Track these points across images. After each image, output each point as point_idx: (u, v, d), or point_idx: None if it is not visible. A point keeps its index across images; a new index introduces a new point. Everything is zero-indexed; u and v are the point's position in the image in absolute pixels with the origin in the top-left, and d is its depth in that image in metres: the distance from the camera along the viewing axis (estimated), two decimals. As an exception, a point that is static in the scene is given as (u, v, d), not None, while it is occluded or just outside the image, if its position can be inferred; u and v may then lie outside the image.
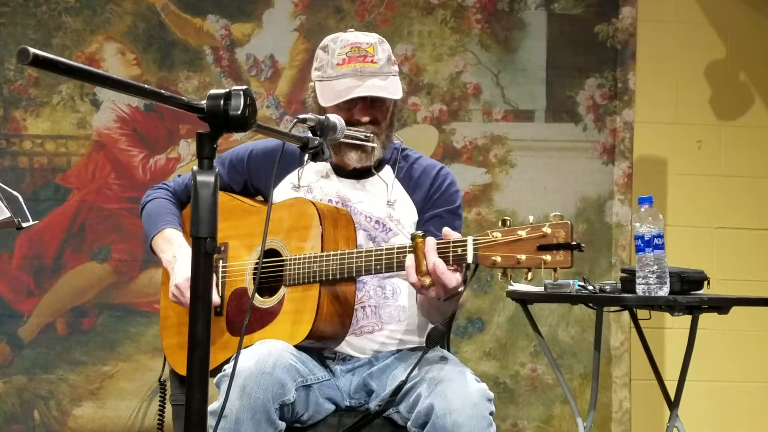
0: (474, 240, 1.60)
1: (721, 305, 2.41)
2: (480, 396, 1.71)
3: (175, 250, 1.90)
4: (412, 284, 1.68)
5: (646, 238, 2.29)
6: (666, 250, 2.34)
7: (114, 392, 3.21)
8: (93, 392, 3.20)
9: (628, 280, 2.39)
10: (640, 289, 2.32)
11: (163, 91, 1.21)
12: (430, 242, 1.64)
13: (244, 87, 1.27)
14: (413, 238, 1.65)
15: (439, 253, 1.63)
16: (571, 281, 2.44)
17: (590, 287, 2.42)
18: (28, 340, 3.20)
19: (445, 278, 1.63)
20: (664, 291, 2.31)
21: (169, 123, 3.28)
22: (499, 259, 1.57)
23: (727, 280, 3.13)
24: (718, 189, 3.46)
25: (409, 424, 1.75)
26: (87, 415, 3.20)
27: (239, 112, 1.25)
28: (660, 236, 2.29)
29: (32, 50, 0.95)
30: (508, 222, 1.59)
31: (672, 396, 2.63)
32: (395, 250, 1.72)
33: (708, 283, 2.44)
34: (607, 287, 2.43)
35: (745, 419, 3.42)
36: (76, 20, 3.27)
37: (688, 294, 2.38)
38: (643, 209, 2.34)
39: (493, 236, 1.58)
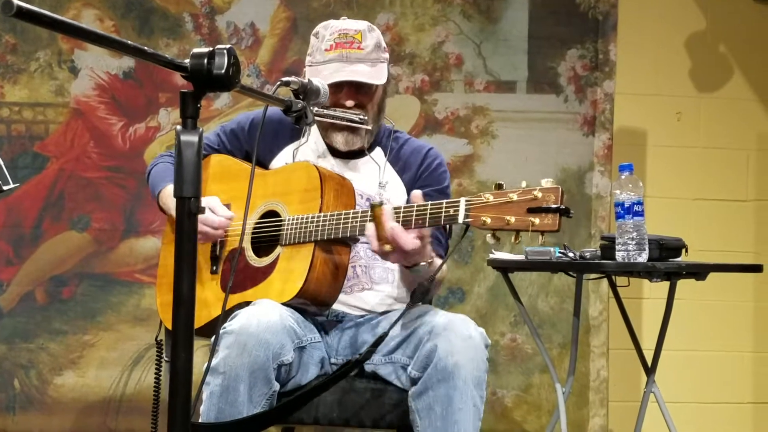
0: (466, 201, 1.64)
1: (699, 271, 2.45)
2: (480, 340, 1.77)
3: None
4: (374, 251, 1.73)
5: (626, 205, 2.31)
6: (645, 220, 2.36)
7: (95, 361, 3.21)
8: (73, 361, 3.20)
9: (608, 247, 2.41)
10: (619, 256, 2.35)
11: (146, 48, 1.20)
12: (388, 209, 1.70)
13: (228, 46, 1.26)
14: (372, 207, 1.71)
15: (431, 213, 1.67)
16: (551, 249, 2.46)
17: (571, 254, 2.44)
18: (7, 309, 3.18)
19: (402, 241, 1.68)
20: (643, 257, 2.33)
21: (148, 91, 3.25)
22: (488, 220, 1.60)
23: (704, 250, 3.17)
24: (697, 161, 3.49)
25: (409, 368, 1.79)
26: (68, 385, 3.19)
27: (223, 71, 1.24)
28: (640, 203, 2.31)
29: (16, 2, 0.93)
30: (503, 186, 1.63)
31: (649, 363, 2.67)
32: (391, 212, 1.74)
33: (686, 251, 2.47)
34: (587, 254, 2.46)
35: (720, 387, 3.48)
36: (53, -14, 3.22)
37: (667, 261, 2.41)
38: (623, 176, 2.36)
39: (485, 198, 1.62)
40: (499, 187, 1.62)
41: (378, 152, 2.04)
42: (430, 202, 1.70)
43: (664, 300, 2.61)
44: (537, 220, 1.56)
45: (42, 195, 3.20)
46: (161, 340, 2.03)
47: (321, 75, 1.91)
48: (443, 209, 1.66)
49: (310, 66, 2.00)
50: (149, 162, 2.18)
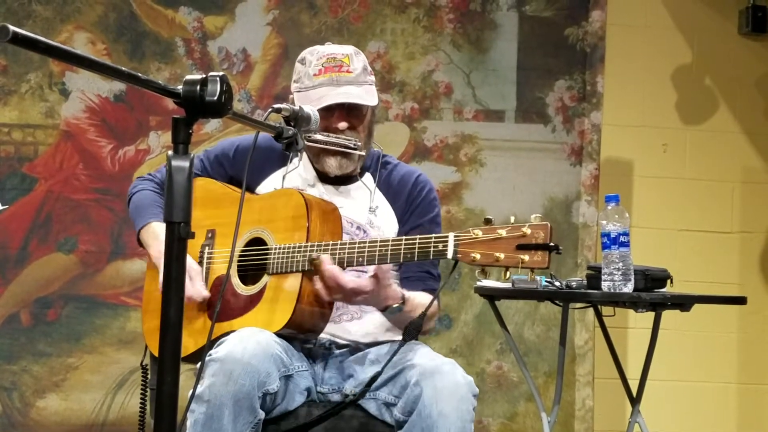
0: (455, 236, 1.63)
1: (684, 302, 2.46)
2: (467, 390, 1.74)
3: (161, 246, 1.91)
4: (328, 300, 1.77)
5: (612, 236, 2.33)
6: (631, 250, 2.38)
7: (78, 384, 3.18)
8: (57, 384, 3.17)
9: (594, 277, 2.43)
10: (605, 286, 2.36)
11: (140, 74, 1.22)
12: (326, 257, 1.74)
13: (221, 73, 1.27)
14: (311, 261, 1.76)
15: (420, 248, 1.68)
16: (538, 277, 2.48)
17: (557, 283, 2.46)
18: (-9, 331, 3.17)
19: (341, 281, 1.72)
20: (629, 288, 2.35)
21: (138, 114, 3.26)
22: (478, 256, 1.60)
23: (689, 281, 3.19)
24: (683, 192, 3.52)
25: (395, 410, 1.77)
26: (51, 407, 3.17)
27: (215, 98, 1.26)
28: (626, 234, 2.33)
29: (12, 27, 0.95)
30: (492, 221, 1.62)
31: (634, 392, 2.67)
32: (378, 243, 1.75)
33: (671, 282, 2.49)
34: (573, 283, 2.47)
35: (704, 418, 3.49)
36: (46, 9, 3.24)
37: (652, 291, 2.43)
38: (609, 207, 2.38)
39: (474, 233, 1.61)
40: (487, 221, 1.62)
41: (368, 178, 2.03)
42: (418, 237, 1.70)
43: (649, 330, 2.63)
44: (526, 257, 1.57)
45: (29, 216, 3.20)
46: (146, 365, 2.01)
47: (310, 99, 1.90)
48: (432, 244, 1.66)
49: (298, 92, 1.98)
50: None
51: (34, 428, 3.16)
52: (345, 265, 1.77)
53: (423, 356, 1.81)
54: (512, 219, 1.62)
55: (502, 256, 1.58)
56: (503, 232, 1.59)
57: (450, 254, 1.63)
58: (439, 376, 1.73)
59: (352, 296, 1.75)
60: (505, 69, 3.43)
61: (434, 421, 1.69)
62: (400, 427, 1.76)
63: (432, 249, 1.66)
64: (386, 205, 2.02)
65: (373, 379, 1.78)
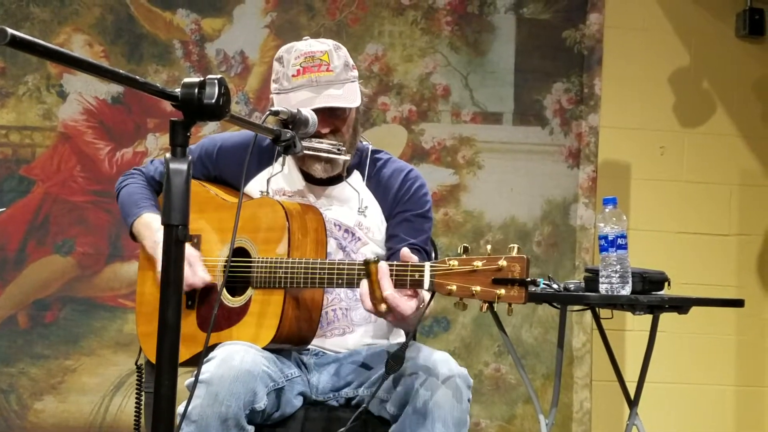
0: (431, 266, 1.59)
1: (681, 305, 2.47)
2: (462, 380, 1.72)
3: (155, 235, 1.88)
4: (368, 310, 1.66)
5: (609, 238, 2.33)
6: (628, 253, 2.39)
7: (76, 387, 3.18)
8: (54, 386, 3.17)
9: (592, 279, 2.43)
10: (603, 288, 2.36)
11: (138, 77, 1.21)
12: (384, 268, 1.62)
13: (219, 76, 1.27)
14: (366, 263, 1.63)
15: (396, 276, 1.62)
16: (536, 280, 2.47)
17: (555, 286, 2.46)
18: (-12, 333, 3.16)
19: (401, 308, 1.62)
20: (627, 290, 2.35)
21: (136, 116, 3.26)
22: (454, 288, 1.56)
23: (687, 284, 3.19)
24: (680, 194, 3.53)
25: (388, 404, 1.75)
26: (48, 410, 3.16)
27: (213, 101, 1.25)
28: (623, 236, 2.34)
29: (10, 30, 0.95)
30: (469, 249, 1.58)
31: (632, 395, 2.68)
32: (356, 267, 1.70)
33: (669, 284, 2.49)
34: (571, 286, 2.47)
35: (702, 420, 3.49)
36: (43, 11, 3.24)
37: (650, 294, 2.43)
38: (607, 210, 2.39)
39: (450, 264, 1.57)
40: (465, 250, 1.57)
41: (356, 176, 1.97)
42: (396, 263, 1.63)
43: (647, 332, 2.63)
44: (503, 291, 1.53)
45: (27, 218, 3.20)
46: (141, 365, 2.00)
47: (290, 103, 1.82)
48: (408, 273, 1.61)
49: (277, 94, 1.89)
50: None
51: (32, 431, 3.16)
52: (326, 285, 1.73)
53: (415, 350, 1.78)
54: (488, 248, 1.57)
55: (478, 289, 1.54)
56: (479, 264, 1.54)
57: (426, 285, 1.59)
58: (432, 367, 1.71)
59: (403, 320, 1.67)
60: (503, 71, 3.43)
61: (429, 412, 1.66)
62: (394, 420, 1.73)
63: (408, 278, 1.61)
64: (375, 204, 1.95)
65: (360, 414, 1.74)
